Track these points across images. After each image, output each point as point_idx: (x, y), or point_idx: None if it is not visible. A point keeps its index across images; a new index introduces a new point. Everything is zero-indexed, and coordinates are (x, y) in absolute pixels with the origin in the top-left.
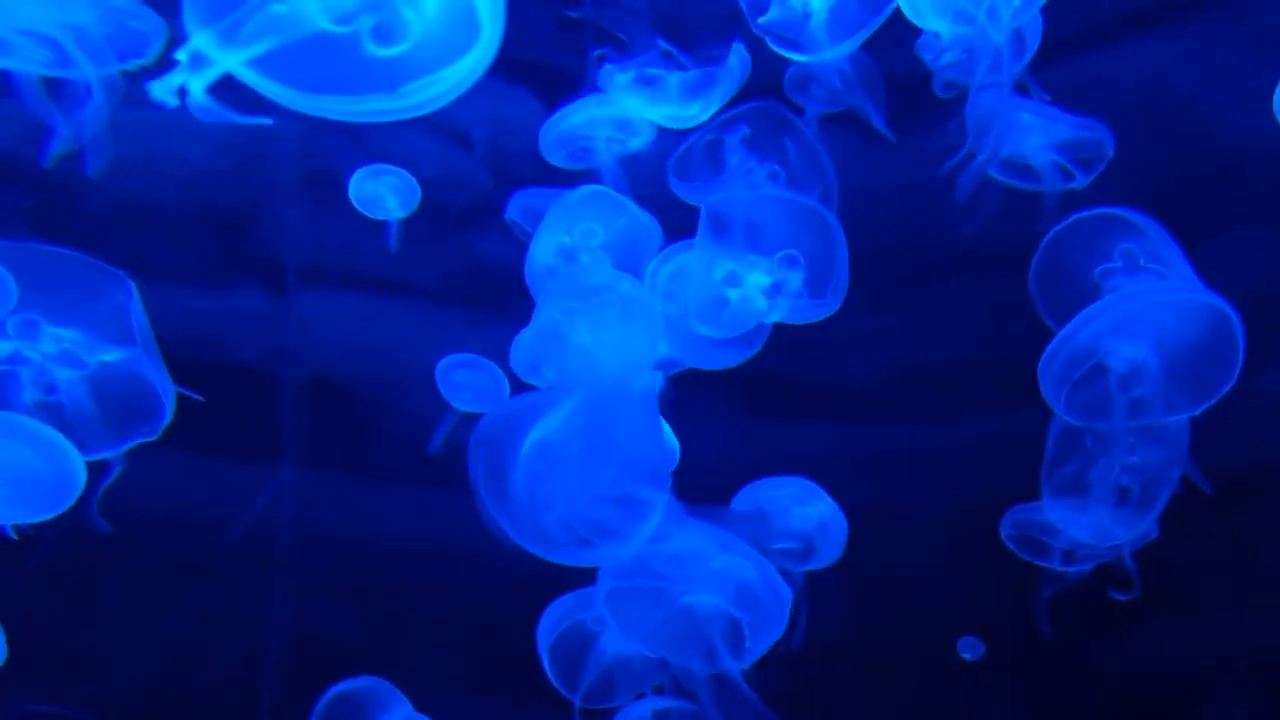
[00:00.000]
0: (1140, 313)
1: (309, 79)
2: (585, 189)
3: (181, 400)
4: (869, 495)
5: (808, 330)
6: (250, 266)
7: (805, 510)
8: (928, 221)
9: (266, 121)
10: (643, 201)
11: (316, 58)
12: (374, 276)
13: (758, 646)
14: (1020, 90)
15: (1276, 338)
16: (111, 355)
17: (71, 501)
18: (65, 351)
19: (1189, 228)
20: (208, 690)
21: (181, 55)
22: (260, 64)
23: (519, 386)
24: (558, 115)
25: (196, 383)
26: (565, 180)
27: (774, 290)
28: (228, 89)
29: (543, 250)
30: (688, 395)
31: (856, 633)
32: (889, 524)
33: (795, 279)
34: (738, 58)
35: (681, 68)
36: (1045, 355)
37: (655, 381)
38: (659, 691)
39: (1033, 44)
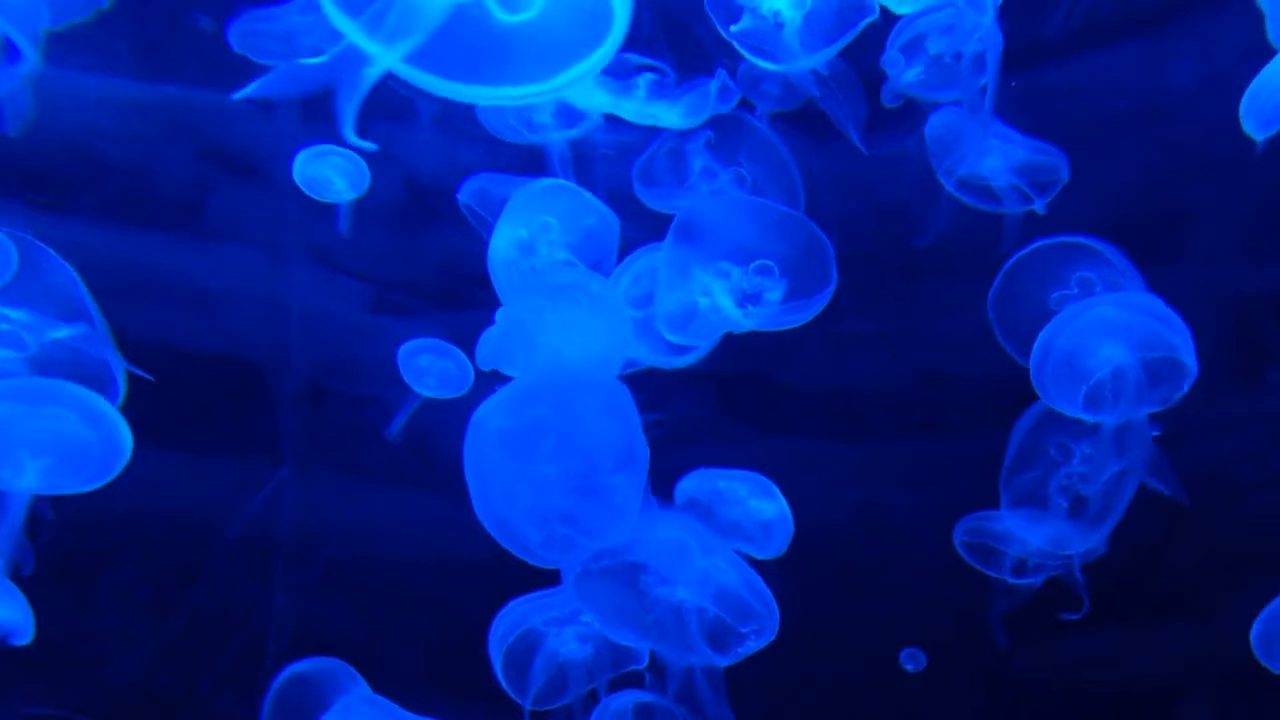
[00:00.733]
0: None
1: (451, 62)
2: (543, 181)
3: (181, 400)
4: (861, 499)
5: (793, 334)
6: None
7: (760, 504)
8: (892, 229)
9: (371, 147)
10: (605, 198)
11: (454, 37)
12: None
13: (744, 647)
14: (976, 107)
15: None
16: (61, 333)
17: (118, 471)
18: (8, 332)
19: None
20: (206, 690)
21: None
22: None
23: (483, 374)
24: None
25: (197, 382)
26: (516, 155)
27: (749, 299)
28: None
29: (501, 243)
30: (676, 401)
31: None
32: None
33: (771, 287)
34: (719, 85)
35: (662, 77)
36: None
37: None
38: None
39: (993, 61)
